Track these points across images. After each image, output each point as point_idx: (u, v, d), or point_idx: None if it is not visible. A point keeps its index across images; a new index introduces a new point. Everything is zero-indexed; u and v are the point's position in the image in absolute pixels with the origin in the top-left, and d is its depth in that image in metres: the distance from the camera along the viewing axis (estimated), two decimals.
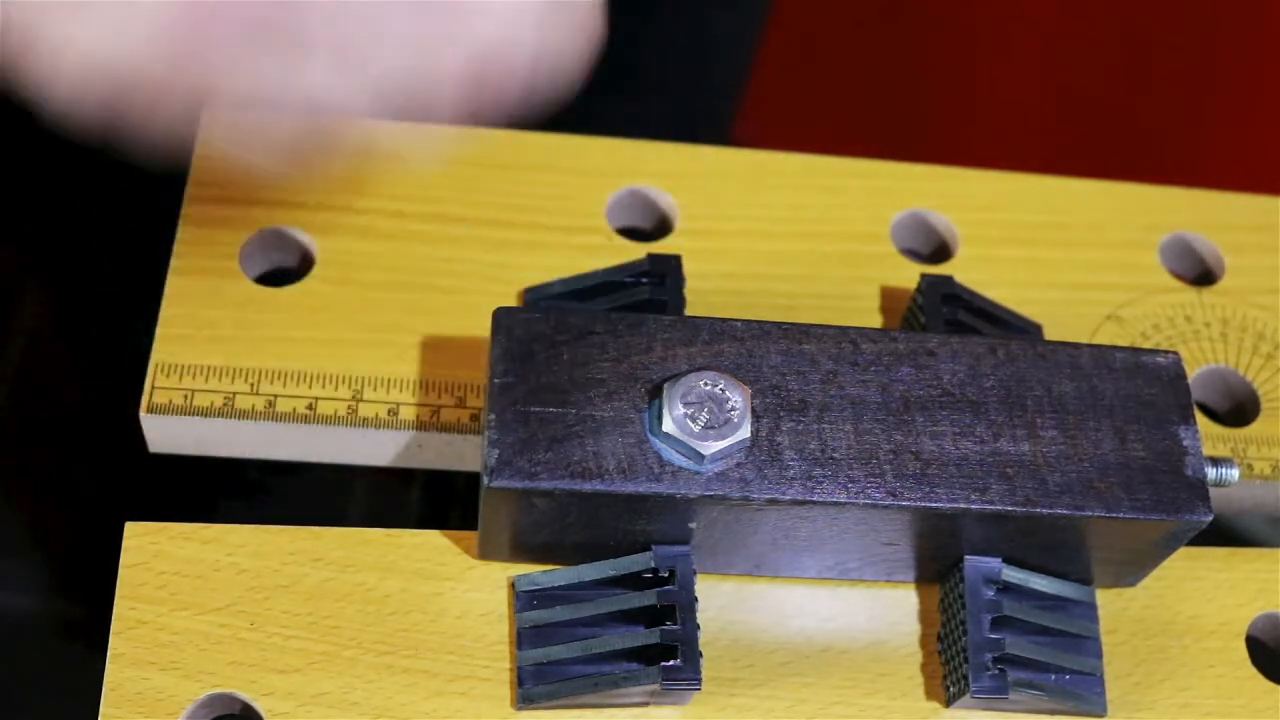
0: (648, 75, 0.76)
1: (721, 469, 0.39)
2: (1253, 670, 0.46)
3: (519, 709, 0.42)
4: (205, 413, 0.45)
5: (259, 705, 0.41)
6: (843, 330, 0.43)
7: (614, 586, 0.43)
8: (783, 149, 0.55)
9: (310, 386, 0.46)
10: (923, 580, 0.46)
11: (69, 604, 0.66)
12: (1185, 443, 0.42)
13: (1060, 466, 0.41)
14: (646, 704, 0.42)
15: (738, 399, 0.40)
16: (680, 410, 0.39)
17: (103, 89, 0.36)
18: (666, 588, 0.42)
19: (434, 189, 0.51)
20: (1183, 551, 0.45)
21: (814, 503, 0.40)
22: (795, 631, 0.45)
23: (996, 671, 0.43)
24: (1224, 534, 0.51)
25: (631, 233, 0.53)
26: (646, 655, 0.41)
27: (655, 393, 0.40)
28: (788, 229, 0.52)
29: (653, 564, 0.42)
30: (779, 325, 0.42)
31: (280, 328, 0.47)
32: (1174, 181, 0.56)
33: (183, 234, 0.49)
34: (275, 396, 0.46)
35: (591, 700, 0.42)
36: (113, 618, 0.42)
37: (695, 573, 0.42)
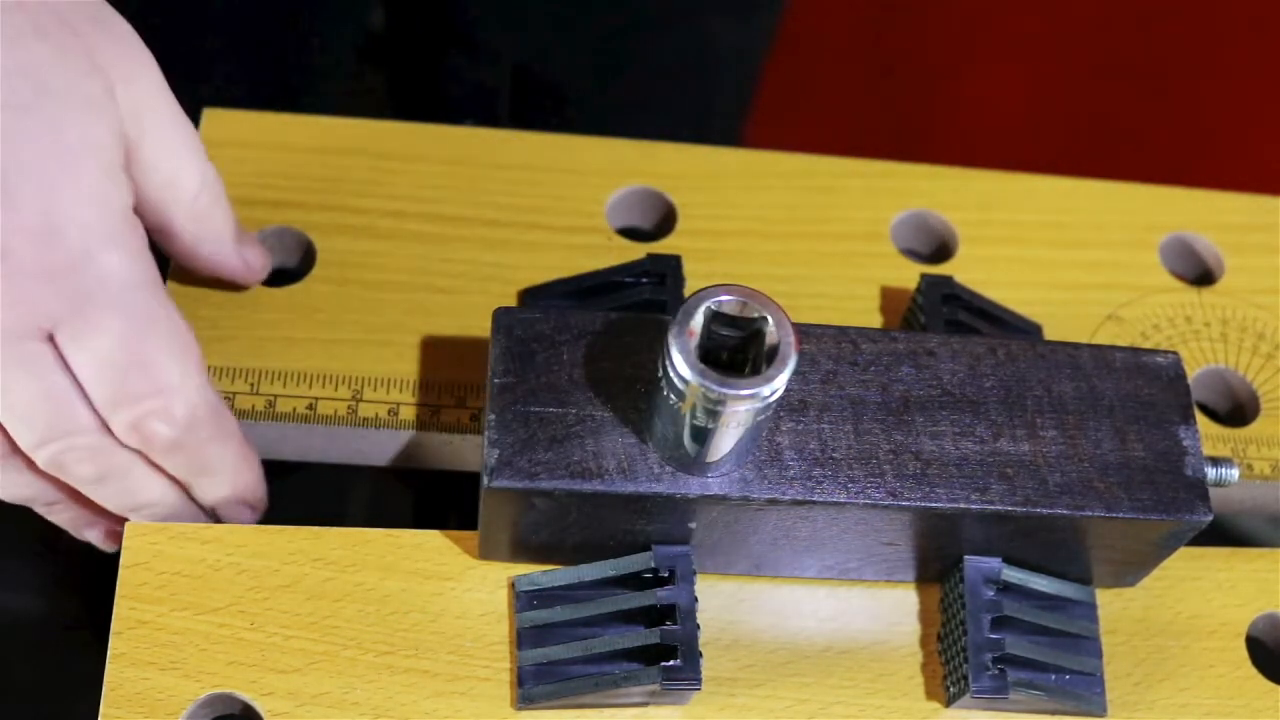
0: (655, 90, 0.76)
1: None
2: (1253, 670, 0.46)
3: (519, 709, 0.42)
4: None
5: (259, 705, 0.41)
6: (842, 330, 0.43)
7: (614, 586, 0.43)
8: (786, 149, 0.55)
9: (310, 386, 0.46)
10: (923, 580, 0.46)
11: (69, 604, 0.66)
12: (1185, 443, 0.42)
13: (1060, 466, 0.41)
14: (646, 704, 0.42)
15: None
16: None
17: None
18: (666, 588, 0.42)
19: (434, 189, 0.51)
20: (1183, 551, 0.45)
21: (814, 503, 0.40)
22: (795, 631, 0.45)
23: (996, 671, 0.43)
24: (1224, 534, 0.51)
25: (631, 233, 0.53)
26: (646, 655, 0.41)
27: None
28: (788, 229, 0.52)
29: (653, 564, 0.42)
30: None
31: (280, 328, 0.47)
32: (1174, 181, 0.56)
33: None
34: (275, 396, 0.46)
35: (591, 700, 0.42)
36: (113, 618, 0.42)
37: (695, 573, 0.42)
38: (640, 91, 0.75)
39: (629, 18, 0.72)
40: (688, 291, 0.48)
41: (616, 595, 0.42)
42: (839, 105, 1.18)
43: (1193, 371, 0.51)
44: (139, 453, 0.42)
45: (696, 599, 0.42)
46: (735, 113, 0.84)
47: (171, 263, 0.48)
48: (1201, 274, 0.55)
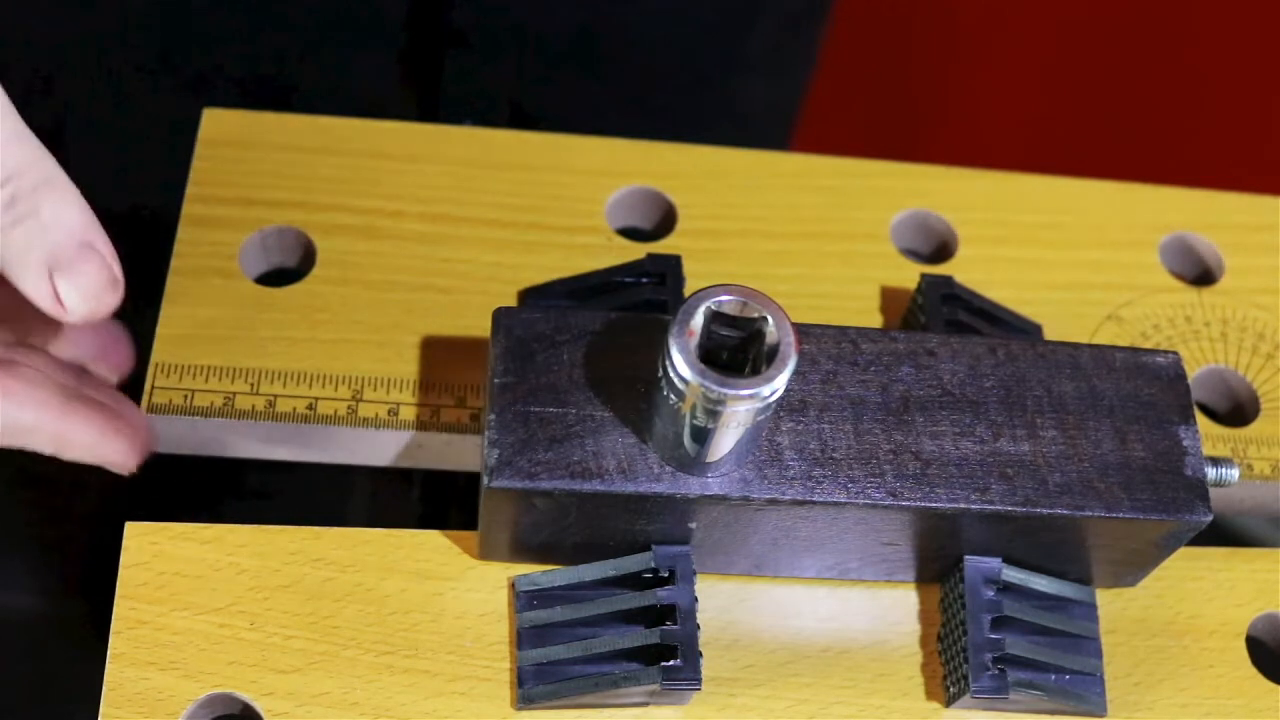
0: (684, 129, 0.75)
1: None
2: (1253, 670, 0.46)
3: (519, 709, 0.42)
4: (205, 413, 0.45)
5: (259, 705, 0.41)
6: (843, 330, 0.43)
7: (614, 586, 0.43)
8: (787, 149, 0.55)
9: (310, 386, 0.46)
10: (923, 580, 0.46)
11: (69, 604, 0.66)
12: (1185, 443, 0.42)
13: (1060, 466, 0.41)
14: (646, 704, 0.42)
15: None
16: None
17: None
18: (666, 588, 0.42)
19: (434, 189, 0.51)
20: (1183, 551, 0.45)
21: (814, 503, 0.40)
22: (795, 631, 0.45)
23: (996, 671, 0.43)
24: (1224, 534, 0.51)
25: (631, 233, 0.53)
26: (646, 655, 0.41)
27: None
28: (788, 229, 0.52)
29: (653, 564, 0.42)
30: None
31: (280, 328, 0.47)
32: (1174, 181, 0.56)
33: (183, 234, 0.49)
34: (275, 396, 0.46)
35: (591, 700, 0.42)
36: (113, 618, 0.42)
37: (695, 573, 0.42)
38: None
39: (652, 75, 0.72)
40: (688, 291, 0.48)
41: (616, 595, 0.42)
42: (839, 105, 1.18)
43: (1193, 371, 0.51)
44: None
45: (696, 599, 0.42)
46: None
47: (173, 259, 0.48)
48: (1201, 274, 0.55)
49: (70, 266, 0.38)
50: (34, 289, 0.38)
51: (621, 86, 0.71)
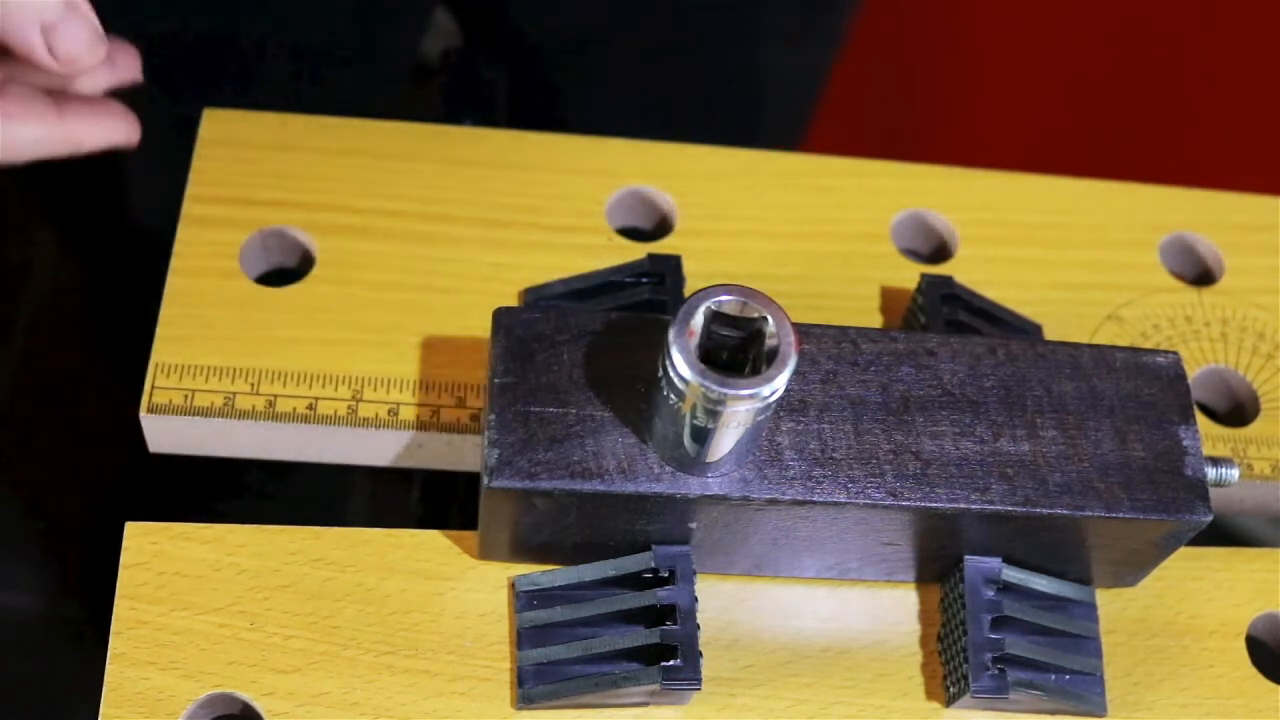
0: (696, 117, 0.74)
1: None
2: (1253, 670, 0.46)
3: (519, 709, 0.42)
4: (205, 413, 0.45)
5: (259, 705, 0.41)
6: (843, 330, 0.43)
7: (614, 586, 0.43)
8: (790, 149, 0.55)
9: (310, 386, 0.46)
10: (923, 580, 0.46)
11: (69, 604, 0.66)
12: (1185, 443, 0.42)
13: (1060, 466, 0.41)
14: (646, 704, 0.42)
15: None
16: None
17: None
18: (666, 588, 0.42)
19: (434, 189, 0.51)
20: (1183, 551, 0.45)
21: (814, 503, 0.40)
22: (795, 631, 0.45)
23: (996, 671, 0.43)
24: (1224, 534, 0.51)
25: (631, 233, 0.53)
26: (646, 655, 0.41)
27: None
28: (788, 229, 0.52)
29: (653, 564, 0.42)
30: None
31: (280, 328, 0.47)
32: (1174, 181, 0.56)
33: (183, 234, 0.49)
34: (275, 396, 0.46)
35: (591, 700, 0.42)
36: (113, 618, 0.42)
37: (695, 573, 0.42)
38: (681, 118, 0.74)
39: (673, 38, 0.71)
40: (688, 291, 0.48)
41: (616, 595, 0.42)
42: (838, 104, 1.18)
43: (1193, 371, 0.51)
44: None
45: (696, 599, 0.42)
46: (784, 145, 0.82)
47: (173, 259, 0.48)
48: (1201, 274, 0.55)
49: (60, 24, 0.43)
50: (29, 45, 0.43)
51: (626, 77, 0.71)
